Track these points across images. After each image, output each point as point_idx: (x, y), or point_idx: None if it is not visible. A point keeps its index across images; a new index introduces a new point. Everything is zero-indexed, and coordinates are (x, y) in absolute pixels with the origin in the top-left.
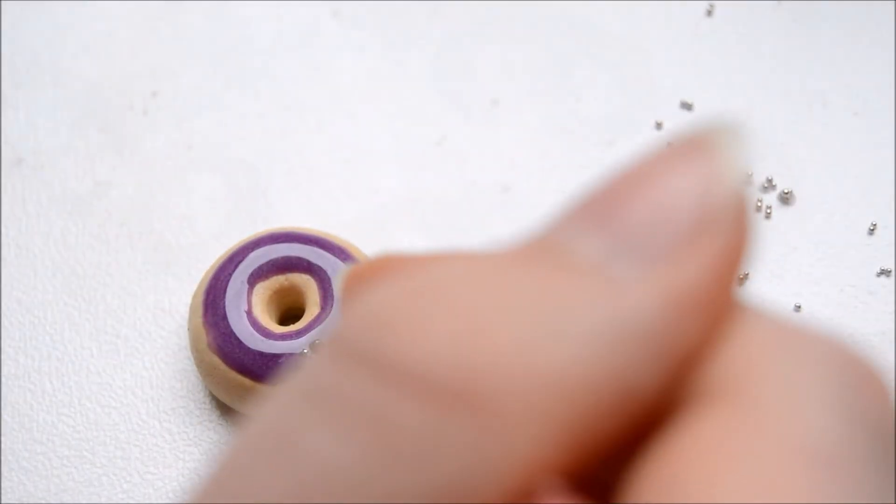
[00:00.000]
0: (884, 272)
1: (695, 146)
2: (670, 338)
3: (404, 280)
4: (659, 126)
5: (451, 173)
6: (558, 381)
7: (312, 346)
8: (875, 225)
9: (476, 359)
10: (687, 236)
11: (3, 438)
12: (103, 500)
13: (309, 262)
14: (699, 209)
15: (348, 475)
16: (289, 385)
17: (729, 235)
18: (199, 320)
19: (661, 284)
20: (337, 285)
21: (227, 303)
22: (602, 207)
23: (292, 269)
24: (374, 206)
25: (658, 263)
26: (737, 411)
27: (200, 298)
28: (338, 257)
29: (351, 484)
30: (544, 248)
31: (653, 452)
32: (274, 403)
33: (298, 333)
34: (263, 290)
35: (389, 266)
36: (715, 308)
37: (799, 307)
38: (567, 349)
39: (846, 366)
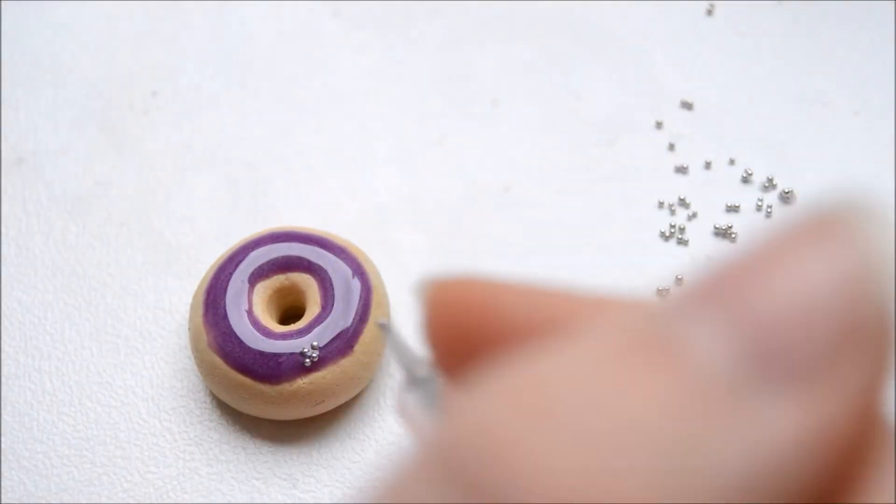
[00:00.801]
0: None
1: (829, 225)
2: (809, 479)
3: (506, 379)
4: (659, 126)
5: (452, 173)
6: None
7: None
8: None
9: (583, 498)
10: (832, 349)
11: (3, 438)
12: (103, 500)
13: (309, 262)
14: (845, 313)
15: None
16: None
17: (877, 350)
18: (200, 320)
19: (803, 415)
20: (419, 297)
21: (227, 302)
22: (727, 296)
23: (293, 268)
24: (374, 206)
25: (799, 385)
26: None
27: (201, 298)
28: (338, 257)
29: None
30: (659, 338)
31: None
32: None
33: (299, 333)
34: (264, 289)
35: (474, 297)
36: (858, 440)
37: None
38: (692, 492)
39: None
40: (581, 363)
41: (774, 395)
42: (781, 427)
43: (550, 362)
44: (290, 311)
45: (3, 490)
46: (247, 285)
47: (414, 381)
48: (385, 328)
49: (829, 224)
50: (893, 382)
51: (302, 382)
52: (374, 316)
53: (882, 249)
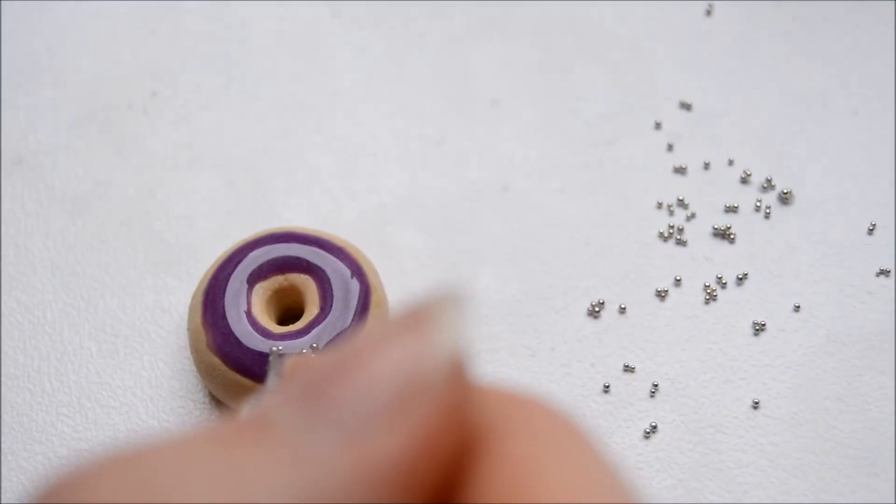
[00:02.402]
0: (883, 272)
1: (412, 320)
2: (393, 495)
3: (116, 455)
4: (658, 126)
5: (451, 173)
6: None
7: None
8: (875, 225)
9: None
10: (388, 408)
11: (2, 438)
12: None
13: (308, 262)
14: (403, 382)
15: None
16: None
17: (435, 403)
18: (199, 320)
19: (354, 455)
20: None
21: (226, 303)
22: (316, 381)
23: (291, 268)
24: (374, 206)
25: (354, 435)
26: None
27: (200, 298)
28: (336, 257)
29: None
30: (254, 423)
31: None
32: None
33: (298, 333)
34: (263, 290)
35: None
36: (422, 472)
37: (798, 307)
38: None
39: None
40: (182, 443)
41: (335, 444)
42: (336, 464)
43: (166, 440)
44: (288, 312)
45: (2, 491)
46: (246, 286)
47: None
48: (276, 357)
49: (410, 318)
50: None
51: None
52: (374, 316)
53: (453, 328)
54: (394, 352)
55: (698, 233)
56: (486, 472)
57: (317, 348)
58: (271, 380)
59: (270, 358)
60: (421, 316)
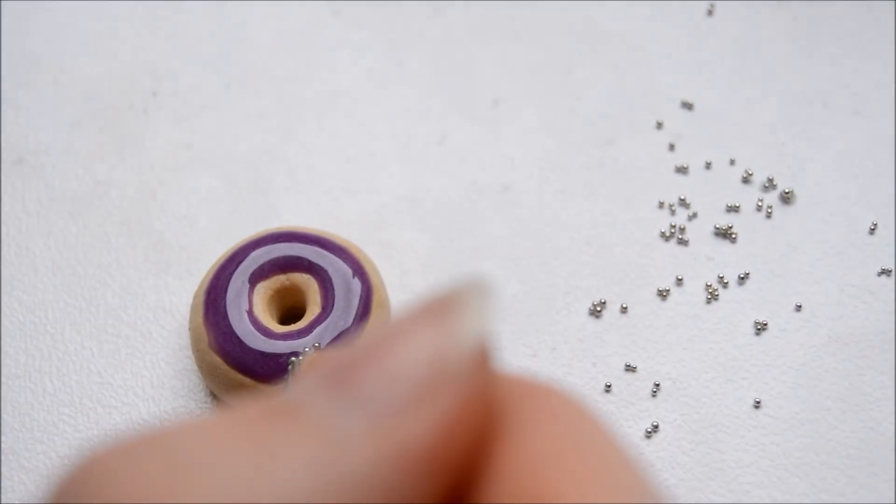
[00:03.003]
0: (884, 272)
1: (437, 308)
2: (387, 491)
3: (136, 437)
4: (659, 126)
5: (452, 173)
6: None
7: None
8: (875, 224)
9: None
10: (415, 394)
11: (3, 437)
12: None
13: (310, 262)
14: (430, 368)
15: None
16: None
17: (460, 390)
18: (200, 320)
19: (381, 439)
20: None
21: (227, 302)
22: (343, 368)
23: (293, 268)
24: (374, 206)
25: (382, 419)
26: None
27: (201, 298)
28: (338, 256)
29: None
30: (282, 407)
31: None
32: None
33: (299, 333)
34: (264, 289)
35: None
36: (446, 457)
37: (799, 307)
38: (268, 500)
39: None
40: (208, 424)
41: (363, 427)
42: (363, 446)
43: (189, 423)
44: (290, 312)
45: (3, 490)
46: (247, 285)
47: None
48: (296, 366)
49: (434, 307)
50: None
51: None
52: (375, 315)
53: (477, 317)
54: (419, 338)
55: (700, 232)
56: (506, 458)
57: (319, 348)
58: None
59: (290, 368)
60: (445, 304)
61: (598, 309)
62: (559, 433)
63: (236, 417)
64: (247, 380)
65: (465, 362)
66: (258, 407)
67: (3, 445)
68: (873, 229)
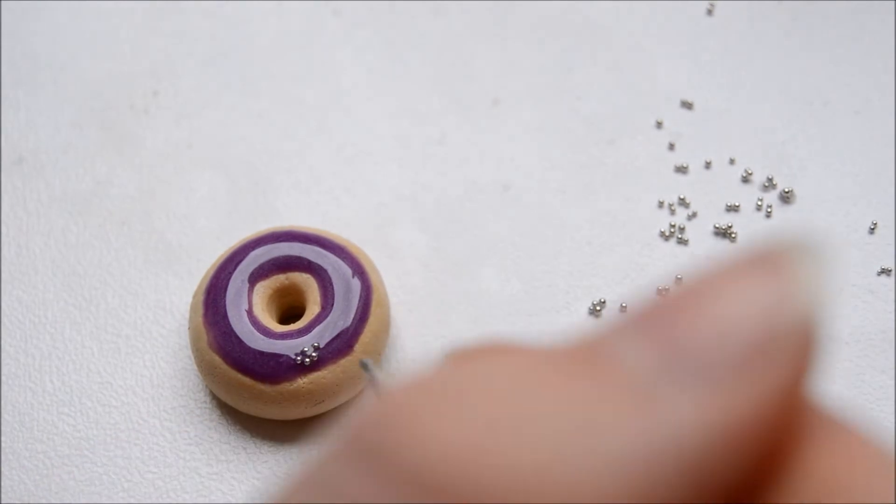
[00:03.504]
0: (884, 271)
1: (768, 260)
2: (710, 470)
3: (436, 373)
4: (659, 126)
5: (452, 172)
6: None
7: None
8: (875, 224)
9: (481, 472)
10: (744, 361)
11: (3, 437)
12: (103, 500)
13: (309, 261)
14: (762, 332)
15: None
16: (302, 473)
17: (792, 363)
18: (200, 319)
19: (708, 411)
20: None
21: (227, 302)
22: (661, 318)
23: (293, 268)
24: (374, 205)
25: (708, 388)
26: None
27: (201, 297)
28: (338, 256)
29: None
30: (592, 352)
31: None
32: (289, 489)
33: (299, 332)
34: (264, 289)
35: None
36: (768, 438)
37: None
38: (589, 472)
39: None
40: (514, 364)
41: (689, 396)
42: (689, 420)
43: (484, 363)
44: (290, 311)
45: (3, 490)
46: (247, 285)
47: None
48: (366, 367)
49: (765, 259)
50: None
51: (302, 382)
52: (375, 315)
53: (813, 280)
54: (747, 293)
55: (700, 232)
56: (793, 474)
57: (318, 347)
58: (376, 388)
59: (363, 368)
60: (775, 259)
61: (598, 309)
62: (858, 478)
63: (540, 359)
64: (246, 379)
65: (797, 331)
66: (574, 351)
67: (2, 445)
68: (873, 229)
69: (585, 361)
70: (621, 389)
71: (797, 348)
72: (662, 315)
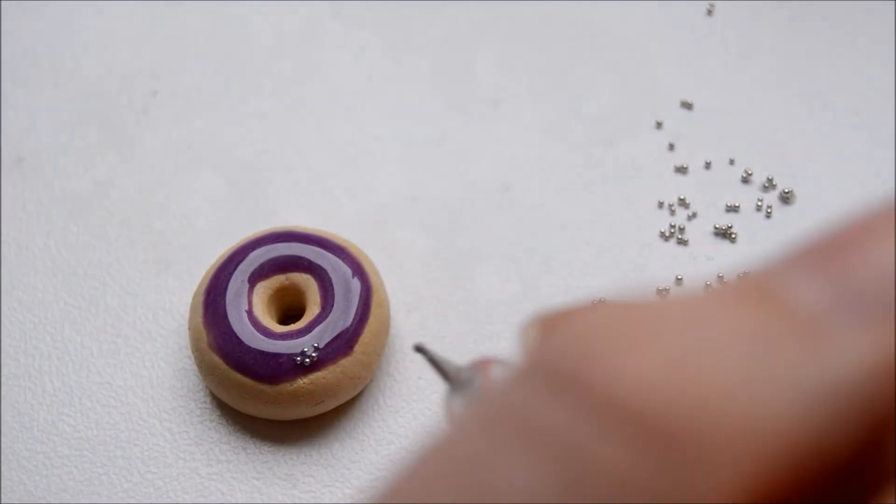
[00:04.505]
0: None
1: None
2: (883, 403)
3: (613, 311)
4: (659, 126)
5: (452, 173)
6: (768, 431)
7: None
8: None
9: (687, 398)
10: None
11: (3, 438)
12: (103, 500)
13: (309, 262)
14: None
15: None
16: (479, 406)
17: None
18: (200, 320)
19: (883, 345)
20: (527, 330)
21: (227, 302)
22: (831, 254)
23: (293, 268)
24: (374, 206)
25: (884, 322)
26: None
27: (201, 298)
28: (338, 256)
29: None
30: (763, 288)
31: None
32: (462, 424)
33: (299, 333)
34: (264, 289)
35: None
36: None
37: None
38: (780, 400)
39: None
40: (687, 301)
41: (864, 330)
42: (865, 354)
43: (656, 303)
44: (290, 311)
45: (3, 490)
46: (247, 285)
47: (459, 385)
48: (422, 350)
49: None
50: None
51: (302, 382)
52: (375, 315)
53: None
54: None
55: (699, 232)
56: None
57: (318, 347)
58: (439, 370)
59: (419, 352)
60: None
61: None
62: None
63: (711, 297)
64: (246, 379)
65: None
66: (732, 287)
67: (2, 445)
68: None
69: (755, 296)
70: (797, 322)
71: None
72: (834, 251)
